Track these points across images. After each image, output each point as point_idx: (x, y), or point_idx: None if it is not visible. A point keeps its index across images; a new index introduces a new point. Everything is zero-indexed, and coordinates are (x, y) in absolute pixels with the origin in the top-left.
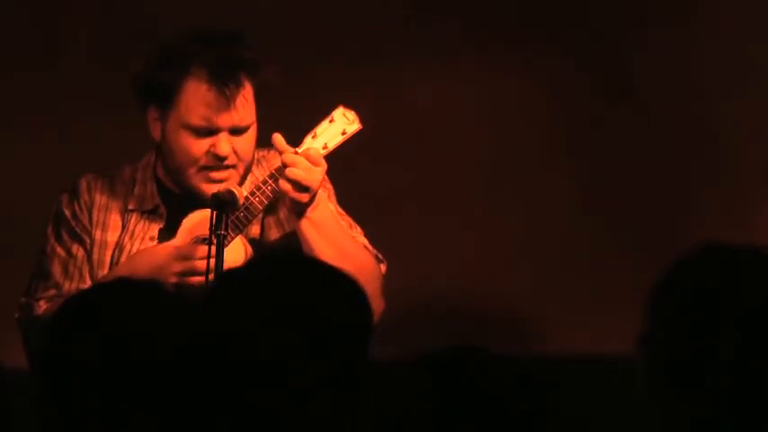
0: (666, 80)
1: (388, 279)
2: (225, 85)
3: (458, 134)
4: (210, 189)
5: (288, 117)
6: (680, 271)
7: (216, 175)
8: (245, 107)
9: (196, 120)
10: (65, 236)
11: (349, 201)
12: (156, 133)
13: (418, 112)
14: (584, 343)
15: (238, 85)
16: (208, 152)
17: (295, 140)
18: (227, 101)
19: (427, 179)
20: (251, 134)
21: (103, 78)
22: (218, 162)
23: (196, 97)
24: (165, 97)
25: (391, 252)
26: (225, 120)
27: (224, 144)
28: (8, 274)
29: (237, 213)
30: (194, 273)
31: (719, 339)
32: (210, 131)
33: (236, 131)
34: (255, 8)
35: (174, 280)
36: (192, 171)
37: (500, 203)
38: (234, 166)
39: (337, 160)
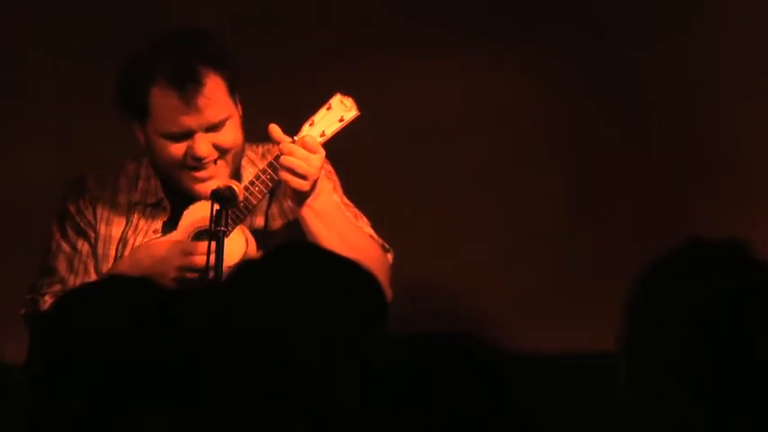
0: (666, 79)
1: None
2: (183, 87)
3: (456, 133)
4: (201, 188)
5: (287, 117)
6: (657, 270)
7: (200, 174)
8: (211, 104)
9: (168, 126)
10: (69, 231)
11: (349, 200)
12: (142, 143)
13: (417, 111)
14: (584, 343)
15: (198, 84)
16: (186, 154)
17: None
18: (188, 102)
19: (426, 178)
20: (230, 126)
21: (103, 78)
22: (198, 162)
23: (163, 105)
24: (140, 110)
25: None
26: (194, 120)
27: (200, 144)
28: (9, 273)
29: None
30: (195, 268)
31: (703, 337)
32: (185, 134)
33: (211, 128)
34: (255, 8)
35: (174, 274)
36: (179, 174)
37: (498, 202)
38: (215, 162)
39: (337, 159)
